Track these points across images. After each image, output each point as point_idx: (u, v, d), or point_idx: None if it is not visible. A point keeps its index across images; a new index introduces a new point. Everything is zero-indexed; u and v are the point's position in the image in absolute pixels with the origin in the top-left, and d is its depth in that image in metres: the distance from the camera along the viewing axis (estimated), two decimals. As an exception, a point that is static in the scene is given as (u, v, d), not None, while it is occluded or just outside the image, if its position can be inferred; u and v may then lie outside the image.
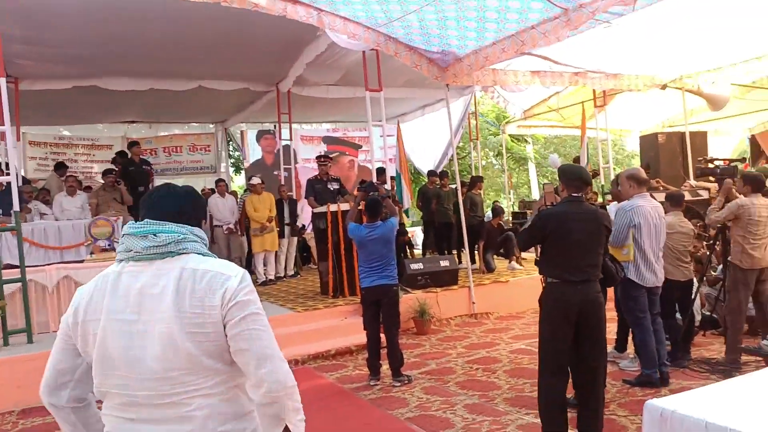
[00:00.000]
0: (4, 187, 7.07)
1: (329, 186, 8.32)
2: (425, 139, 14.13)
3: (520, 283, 8.63)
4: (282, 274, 9.94)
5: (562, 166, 3.96)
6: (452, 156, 13.93)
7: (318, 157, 8.68)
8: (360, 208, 5.94)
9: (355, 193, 10.25)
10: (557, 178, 3.94)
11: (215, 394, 1.62)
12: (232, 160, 16.98)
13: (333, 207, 7.77)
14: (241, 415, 1.66)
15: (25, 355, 5.76)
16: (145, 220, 1.70)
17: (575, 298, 3.63)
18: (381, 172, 9.13)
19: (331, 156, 9.64)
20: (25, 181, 9.17)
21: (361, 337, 6.48)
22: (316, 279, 9.36)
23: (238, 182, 17.97)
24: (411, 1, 6.48)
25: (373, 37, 7.55)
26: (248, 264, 9.88)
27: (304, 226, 10.94)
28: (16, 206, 6.12)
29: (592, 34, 6.94)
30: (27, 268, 6.29)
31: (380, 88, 8.37)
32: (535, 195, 20.69)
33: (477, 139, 13.55)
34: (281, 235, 9.83)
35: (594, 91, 10.65)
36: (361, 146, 14.62)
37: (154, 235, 1.66)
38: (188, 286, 1.61)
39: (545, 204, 4.42)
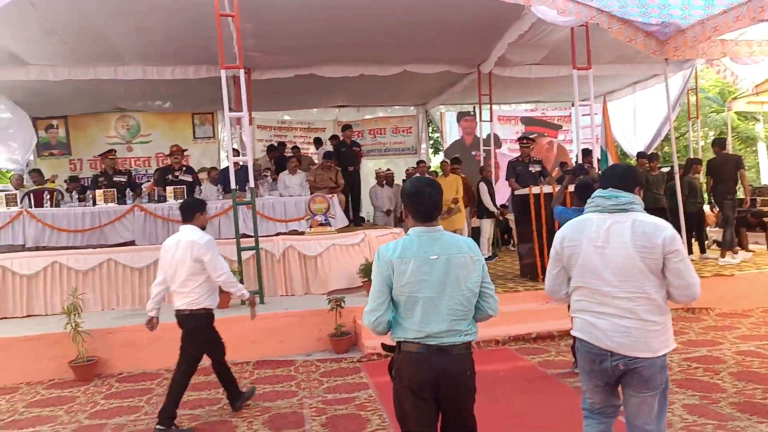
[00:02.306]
0: (240, 167, 8.04)
1: (531, 168, 8.16)
2: (634, 119, 13.15)
3: (747, 278, 7.70)
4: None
5: None
6: (665, 137, 12.85)
7: (520, 139, 8.53)
8: (567, 191, 5.75)
9: (554, 174, 9.95)
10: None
11: (651, 296, 2.59)
12: (431, 142, 17.40)
13: (535, 189, 7.63)
14: (664, 311, 2.64)
15: (258, 313, 6.56)
16: (609, 189, 2.73)
17: None
18: (587, 153, 8.72)
19: (532, 137, 9.39)
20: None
21: (564, 323, 6.30)
22: (514, 261, 9.30)
23: (435, 163, 18.41)
24: (630, -30, 6.06)
25: (585, 11, 7.19)
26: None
27: (505, 205, 10.84)
28: (251, 183, 6.96)
29: None
30: (259, 238, 7.13)
31: (589, 66, 7.97)
32: (765, 180, 18.19)
33: (697, 117, 12.27)
34: (480, 215, 9.89)
35: None
36: (560, 126, 14.07)
37: (616, 197, 2.69)
38: (639, 230, 2.61)
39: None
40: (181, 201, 4.51)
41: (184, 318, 4.53)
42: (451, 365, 2.54)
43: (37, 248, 7.53)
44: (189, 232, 4.52)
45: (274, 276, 7.47)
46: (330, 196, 8.24)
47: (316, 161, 11.31)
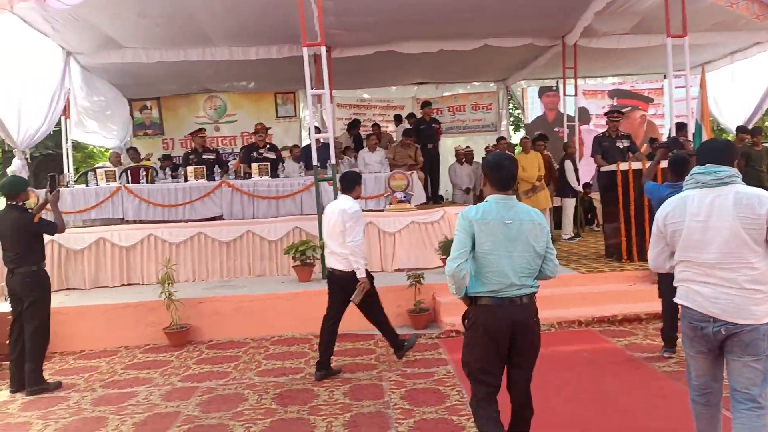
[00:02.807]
0: (321, 144, 8.17)
1: (618, 143, 7.80)
2: (733, 91, 12.26)
3: None
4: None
5: None
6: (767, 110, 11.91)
7: (608, 113, 8.16)
8: (659, 166, 5.47)
9: (642, 150, 9.48)
10: None
11: (754, 266, 2.63)
12: (512, 119, 17.00)
13: (623, 166, 7.29)
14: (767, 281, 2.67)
15: (338, 288, 6.71)
16: (707, 164, 2.77)
17: None
18: (681, 126, 8.23)
19: (622, 111, 8.96)
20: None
21: (653, 306, 6.07)
22: (598, 241, 9.00)
23: (514, 140, 18.00)
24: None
25: (680, -26, 6.75)
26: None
27: (589, 183, 10.49)
28: (332, 160, 7.06)
29: None
30: (340, 214, 7.23)
31: (684, 33, 7.50)
32: None
33: (806, 88, 11.28)
34: (563, 194, 9.60)
35: None
36: (652, 100, 13.35)
37: (716, 173, 2.73)
38: (743, 201, 2.64)
39: None
40: (343, 173, 5.22)
41: (337, 278, 4.98)
42: (521, 313, 2.94)
43: (135, 222, 8.01)
44: (344, 201, 4.99)
45: (354, 252, 7.56)
46: (409, 173, 8.23)
47: (395, 139, 11.33)
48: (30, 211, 5.19)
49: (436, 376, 4.83)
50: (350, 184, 5.06)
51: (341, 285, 4.97)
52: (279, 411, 4.32)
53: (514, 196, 3.03)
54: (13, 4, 5.75)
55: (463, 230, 2.94)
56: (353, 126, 11.43)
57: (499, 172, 2.99)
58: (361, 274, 4.87)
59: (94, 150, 18.27)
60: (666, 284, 5.08)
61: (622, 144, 7.79)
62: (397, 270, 7.43)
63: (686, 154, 4.98)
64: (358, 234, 4.86)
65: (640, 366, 4.89)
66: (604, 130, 8.27)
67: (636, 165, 7.21)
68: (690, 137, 7.77)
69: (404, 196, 7.90)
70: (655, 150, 7.24)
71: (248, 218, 8.02)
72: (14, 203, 5.11)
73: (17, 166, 7.68)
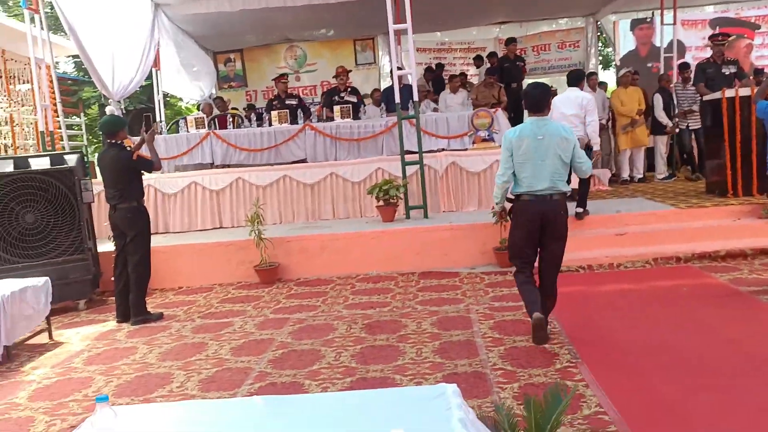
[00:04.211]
0: (403, 85, 8.02)
1: (724, 70, 7.16)
2: None
3: None
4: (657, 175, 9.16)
5: None
6: None
7: (712, 36, 7.50)
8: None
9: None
10: None
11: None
12: (601, 58, 16.07)
13: (729, 92, 6.69)
14: None
15: (422, 226, 6.68)
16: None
17: None
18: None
19: (729, 36, 8.21)
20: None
21: (759, 241, 5.70)
22: (697, 184, 8.46)
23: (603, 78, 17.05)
24: None
25: None
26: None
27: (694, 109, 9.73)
28: (415, 97, 6.93)
29: None
30: (423, 154, 7.15)
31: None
32: None
33: None
34: (655, 131, 9.01)
35: None
36: (759, 27, 12.19)
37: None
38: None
39: None
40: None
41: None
42: (549, 207, 3.88)
43: (223, 166, 8.26)
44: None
45: (437, 191, 7.49)
46: (494, 110, 7.97)
47: (475, 83, 10.98)
48: (129, 148, 5.43)
49: (523, 309, 4.72)
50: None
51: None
52: (368, 339, 4.38)
53: (546, 117, 3.90)
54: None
55: (506, 149, 3.92)
56: (431, 71, 11.13)
57: (530, 97, 3.91)
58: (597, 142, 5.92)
59: (182, 108, 18.97)
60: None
61: (729, 70, 7.15)
62: (482, 210, 7.28)
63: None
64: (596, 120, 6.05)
65: (746, 299, 4.58)
66: (709, 56, 7.60)
67: (744, 92, 6.60)
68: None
69: (488, 135, 7.67)
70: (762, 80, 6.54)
71: (331, 161, 8.09)
72: (113, 141, 5.36)
73: (113, 109, 8.08)
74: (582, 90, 6.40)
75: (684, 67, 8.76)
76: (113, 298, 5.68)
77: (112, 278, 5.59)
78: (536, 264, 4.07)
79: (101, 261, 6.29)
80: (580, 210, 6.39)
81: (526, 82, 11.86)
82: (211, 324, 5.13)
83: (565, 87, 12.25)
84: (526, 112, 4.95)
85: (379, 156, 8.03)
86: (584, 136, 5.95)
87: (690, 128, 8.65)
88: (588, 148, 5.90)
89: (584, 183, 6.37)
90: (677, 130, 8.79)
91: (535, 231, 3.88)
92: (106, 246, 6.38)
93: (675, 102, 8.90)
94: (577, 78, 6.44)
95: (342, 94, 9.03)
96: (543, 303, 3.92)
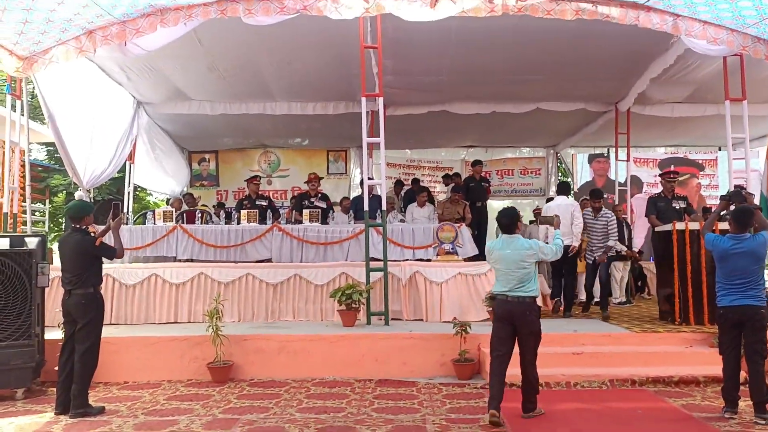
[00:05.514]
0: (372, 195, 8.29)
1: (675, 204, 7.62)
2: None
3: None
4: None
5: None
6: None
7: (664, 173, 8.04)
8: (719, 218, 5.34)
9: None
10: None
11: None
12: (560, 185, 16.94)
13: (680, 225, 7.09)
14: None
15: (382, 333, 6.64)
16: None
17: None
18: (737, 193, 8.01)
19: (679, 174, 8.84)
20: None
21: (710, 369, 5.78)
22: (650, 307, 8.72)
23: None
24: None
25: (739, 40, 6.74)
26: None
27: (640, 251, 10.24)
28: (383, 206, 7.15)
29: None
30: (387, 262, 7.25)
31: (744, 97, 7.45)
32: None
33: None
34: (613, 257, 9.34)
35: None
36: (703, 168, 13.16)
37: None
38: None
39: None
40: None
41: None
42: (518, 307, 4.66)
43: (187, 260, 8.20)
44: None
45: (399, 299, 7.53)
46: (458, 225, 8.24)
47: (441, 200, 11.39)
48: (92, 235, 5.40)
49: (482, 422, 4.65)
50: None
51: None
52: (320, 444, 4.22)
53: (517, 235, 4.81)
54: (96, 47, 6.18)
55: (488, 256, 4.91)
56: (400, 184, 11.55)
57: (503, 223, 4.85)
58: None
59: (150, 202, 18.99)
60: (728, 341, 4.86)
61: (679, 205, 7.60)
62: (442, 320, 7.31)
63: (751, 208, 4.86)
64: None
65: (699, 425, 4.60)
66: (659, 191, 8.11)
67: (693, 225, 6.99)
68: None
69: (452, 248, 7.88)
70: (720, 198, 6.89)
71: (296, 262, 8.12)
72: (78, 226, 5.33)
73: (82, 194, 8.08)
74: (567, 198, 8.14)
75: (596, 195, 8.03)
76: (54, 389, 5.38)
77: (56, 368, 5.33)
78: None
79: (47, 349, 6.02)
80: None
81: (490, 202, 12.40)
82: (155, 421, 4.88)
83: (528, 210, 12.81)
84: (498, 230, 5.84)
85: (344, 261, 8.10)
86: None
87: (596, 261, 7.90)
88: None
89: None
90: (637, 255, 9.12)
91: (507, 327, 4.65)
92: (54, 334, 6.13)
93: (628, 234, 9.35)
94: (566, 188, 8.49)
95: (312, 199, 9.24)
96: (525, 390, 4.75)
